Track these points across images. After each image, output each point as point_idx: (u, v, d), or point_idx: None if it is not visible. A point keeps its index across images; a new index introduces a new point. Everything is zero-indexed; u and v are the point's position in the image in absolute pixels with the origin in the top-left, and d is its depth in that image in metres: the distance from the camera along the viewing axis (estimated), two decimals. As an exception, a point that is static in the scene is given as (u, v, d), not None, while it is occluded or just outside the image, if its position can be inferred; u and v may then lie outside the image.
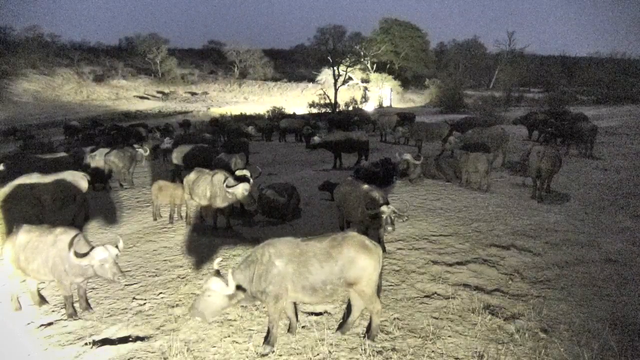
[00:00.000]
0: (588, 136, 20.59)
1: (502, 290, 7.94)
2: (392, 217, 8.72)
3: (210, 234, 11.18)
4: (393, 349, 6.22)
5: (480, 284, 8.16)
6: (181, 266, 9.28)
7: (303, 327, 6.81)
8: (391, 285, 8.09)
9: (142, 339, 6.68)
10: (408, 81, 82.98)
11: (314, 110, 57.67)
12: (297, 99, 75.21)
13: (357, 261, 6.04)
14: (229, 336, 6.60)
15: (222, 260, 9.04)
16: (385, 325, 6.78)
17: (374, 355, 6.07)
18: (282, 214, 12.21)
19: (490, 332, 6.60)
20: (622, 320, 6.94)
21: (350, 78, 73.01)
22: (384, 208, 8.73)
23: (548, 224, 11.45)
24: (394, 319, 6.99)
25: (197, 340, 6.55)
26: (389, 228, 8.68)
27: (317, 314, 7.14)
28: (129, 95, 75.70)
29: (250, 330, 6.74)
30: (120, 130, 30.28)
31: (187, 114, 60.16)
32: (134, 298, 7.94)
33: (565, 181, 15.75)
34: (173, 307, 7.56)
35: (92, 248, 6.73)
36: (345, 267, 6.01)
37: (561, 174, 15.72)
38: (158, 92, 79.56)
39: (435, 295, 7.77)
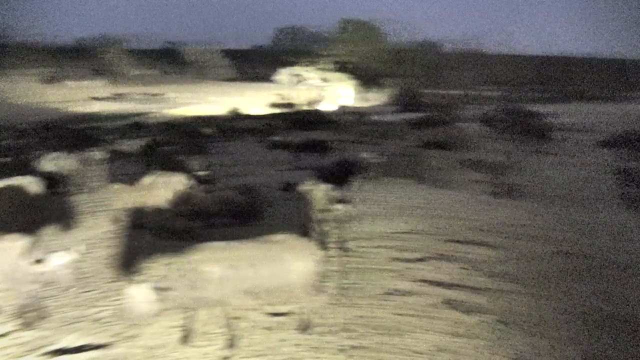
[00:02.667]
0: (544, 132, 21.23)
1: (461, 284, 8.10)
2: (348, 216, 8.84)
3: (169, 236, 10.98)
4: (356, 347, 6.26)
5: (440, 279, 8.30)
6: (139, 271, 9.08)
7: (266, 328, 6.78)
8: (354, 284, 8.13)
9: (100, 346, 6.51)
10: (369, 80, 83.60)
11: (275, 111, 57.44)
12: (257, 99, 74.73)
13: (295, 262, 6.04)
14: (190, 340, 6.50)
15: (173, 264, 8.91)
16: (348, 324, 6.81)
17: (337, 354, 6.10)
18: (244, 215, 12.11)
19: (451, 326, 6.72)
20: (578, 310, 7.18)
21: (310, 78, 73.13)
22: (339, 206, 8.84)
23: (506, 218, 11.73)
24: (357, 316, 7.03)
25: (158, 346, 6.43)
26: (344, 225, 8.79)
27: (279, 314, 7.11)
28: (84, 97, 73.61)
29: (212, 333, 6.66)
30: (75, 133, 29.45)
31: (145, 115, 58.86)
32: (91, 305, 7.73)
33: (522, 176, 16.15)
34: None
35: (49, 254, 6.53)
36: (284, 268, 6.00)
37: (518, 169, 16.13)
38: (114, 93, 77.67)
39: (397, 291, 7.85)
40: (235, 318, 6.45)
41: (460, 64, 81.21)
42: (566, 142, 23.58)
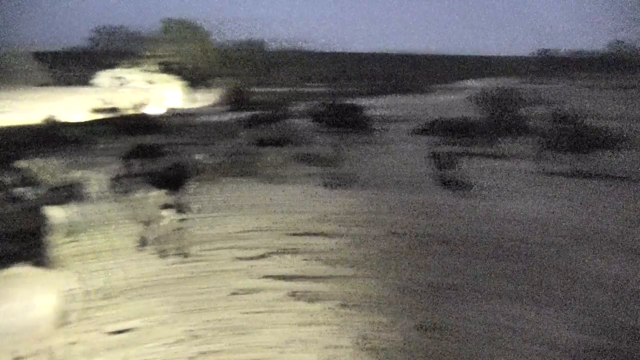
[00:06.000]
0: (366, 124, 22.85)
1: (304, 275, 8.38)
2: (185, 220, 8.70)
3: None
4: (205, 352, 6.16)
5: (284, 272, 8.50)
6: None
7: (108, 349, 6.35)
8: (198, 288, 7.98)
9: None
10: (196, 81, 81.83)
11: (97, 116, 53.62)
12: (76, 105, 69.00)
13: (36, 296, 5.61)
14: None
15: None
16: (196, 330, 6.67)
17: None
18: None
19: (298, 317, 6.93)
20: (411, 284, 7.87)
21: (133, 80, 69.55)
22: (175, 212, 8.67)
23: (340, 207, 12.36)
24: (204, 321, 6.91)
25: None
26: (181, 231, 8.63)
27: (121, 332, 6.70)
28: None
29: None
30: None
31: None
32: None
33: (351, 166, 17.13)
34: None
35: None
36: (22, 305, 5.53)
37: (347, 160, 17.11)
38: None
39: (243, 290, 7.88)
40: (72, 343, 5.94)
41: (286, 62, 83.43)
42: (386, 132, 25.51)
